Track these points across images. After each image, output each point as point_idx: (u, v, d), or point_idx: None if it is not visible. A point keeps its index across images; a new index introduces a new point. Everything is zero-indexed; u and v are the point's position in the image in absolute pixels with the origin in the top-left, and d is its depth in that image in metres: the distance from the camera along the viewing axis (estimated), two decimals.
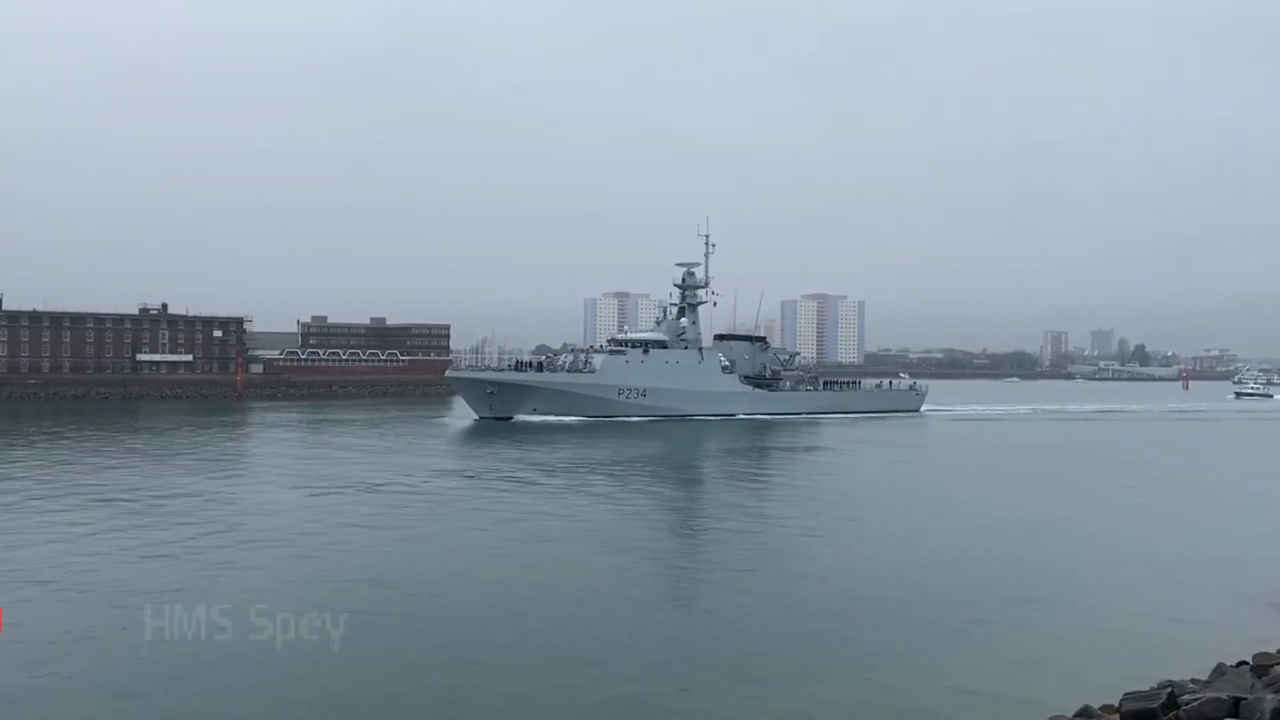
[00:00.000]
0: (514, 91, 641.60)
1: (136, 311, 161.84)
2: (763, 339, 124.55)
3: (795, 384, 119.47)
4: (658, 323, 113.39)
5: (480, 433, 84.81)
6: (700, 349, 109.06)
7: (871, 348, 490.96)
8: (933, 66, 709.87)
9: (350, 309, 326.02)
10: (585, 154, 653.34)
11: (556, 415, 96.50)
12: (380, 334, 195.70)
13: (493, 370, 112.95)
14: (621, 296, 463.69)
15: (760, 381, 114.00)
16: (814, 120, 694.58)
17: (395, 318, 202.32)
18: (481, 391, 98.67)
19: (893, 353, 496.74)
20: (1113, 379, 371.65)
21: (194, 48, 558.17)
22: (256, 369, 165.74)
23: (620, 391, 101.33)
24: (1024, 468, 63.95)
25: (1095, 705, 17.03)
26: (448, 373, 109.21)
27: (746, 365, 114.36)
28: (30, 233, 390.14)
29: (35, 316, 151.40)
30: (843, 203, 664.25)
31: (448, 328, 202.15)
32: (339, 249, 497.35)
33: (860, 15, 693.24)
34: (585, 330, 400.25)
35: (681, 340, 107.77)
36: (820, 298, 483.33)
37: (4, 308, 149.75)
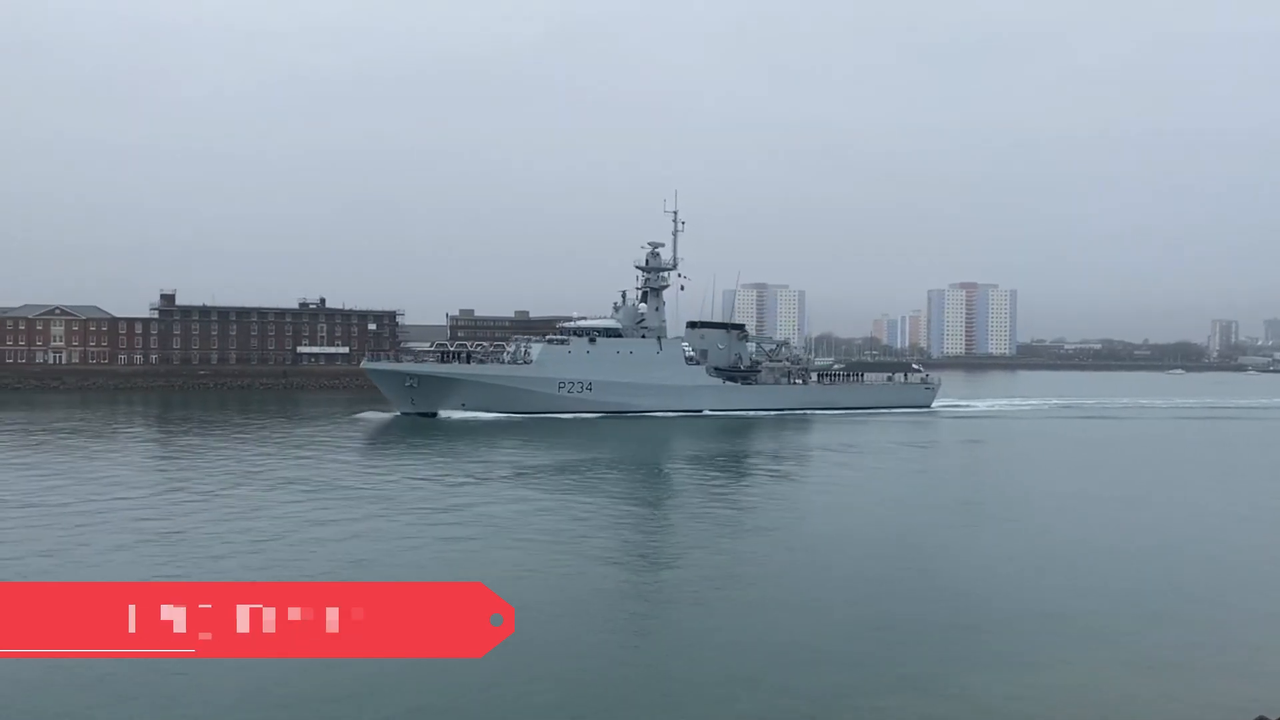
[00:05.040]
0: (649, 89, 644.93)
1: (296, 306, 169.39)
2: (740, 326, 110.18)
3: (780, 376, 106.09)
4: (616, 308, 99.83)
5: (388, 432, 75.49)
6: (660, 338, 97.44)
7: (1024, 338, 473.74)
8: (1077, 52, 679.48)
9: (496, 302, 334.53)
10: (718, 141, 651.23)
11: (489, 411, 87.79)
12: (524, 326, 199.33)
13: (413, 361, 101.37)
14: (760, 287, 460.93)
15: (734, 374, 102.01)
16: (953, 106, 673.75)
17: (538, 310, 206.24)
18: (401, 384, 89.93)
19: (1047, 344, 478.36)
20: None
21: (345, 53, 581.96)
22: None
23: (561, 385, 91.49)
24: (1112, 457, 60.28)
25: (1272, 717, 15.92)
26: (363, 363, 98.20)
27: (720, 355, 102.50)
28: (204, 235, 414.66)
29: (205, 311, 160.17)
30: (994, 190, 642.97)
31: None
32: (486, 244, 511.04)
33: (992, 10, 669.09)
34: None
35: (640, 328, 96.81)
36: (969, 287, 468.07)
37: (177, 303, 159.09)
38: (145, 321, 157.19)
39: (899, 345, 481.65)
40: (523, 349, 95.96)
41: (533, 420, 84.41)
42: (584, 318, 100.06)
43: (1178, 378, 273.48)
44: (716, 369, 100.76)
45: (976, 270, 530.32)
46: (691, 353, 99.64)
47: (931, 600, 25.48)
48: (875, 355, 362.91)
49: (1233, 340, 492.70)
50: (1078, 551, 32.05)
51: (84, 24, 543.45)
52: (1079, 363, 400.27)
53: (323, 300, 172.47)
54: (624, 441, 69.49)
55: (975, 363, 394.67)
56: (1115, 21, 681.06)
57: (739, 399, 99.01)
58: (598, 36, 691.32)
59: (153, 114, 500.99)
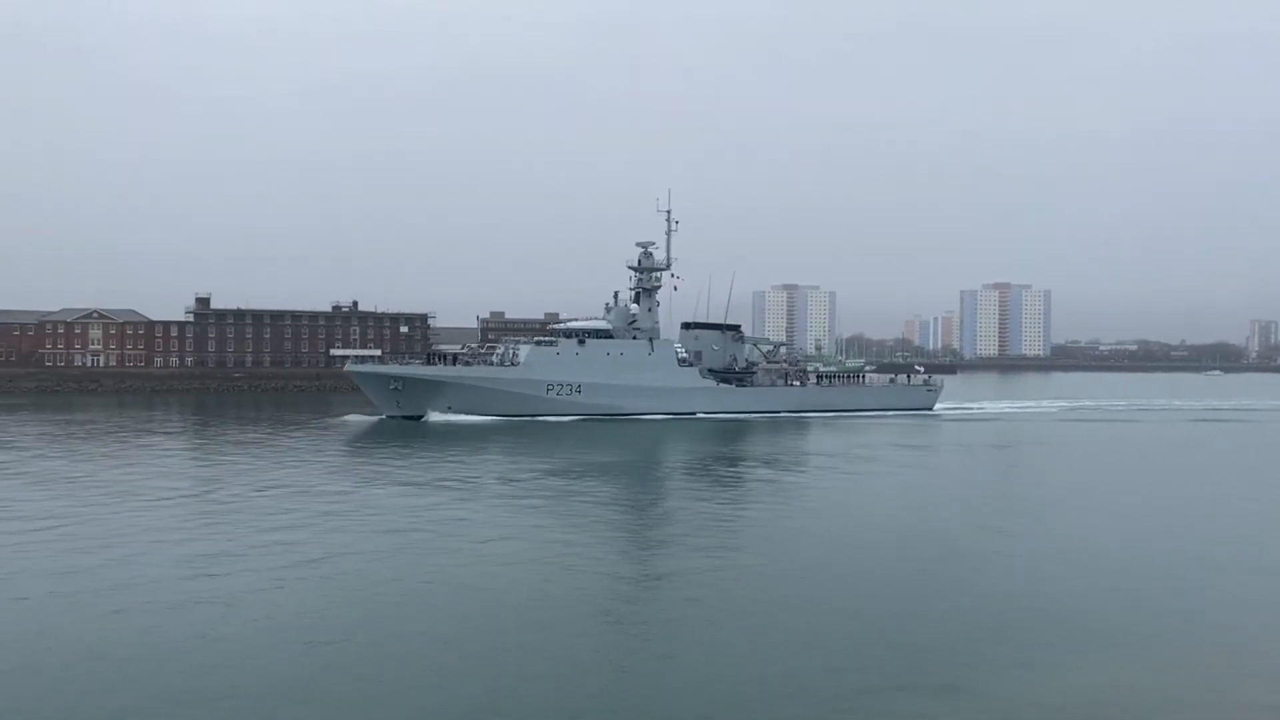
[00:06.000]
0: (665, 92, 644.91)
1: (329, 309, 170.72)
2: (736, 327, 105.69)
3: (776, 378, 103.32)
4: (608, 309, 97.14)
5: (363, 437, 73.18)
6: (651, 339, 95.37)
7: (1059, 339, 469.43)
8: (1106, 52, 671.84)
9: (527, 304, 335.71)
10: (723, 141, 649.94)
11: (476, 415, 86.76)
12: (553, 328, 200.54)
13: (397, 364, 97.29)
14: (790, 288, 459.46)
15: (729, 375, 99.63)
16: (960, 105, 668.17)
17: (569, 311, 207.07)
18: (386, 387, 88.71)
19: (1082, 345, 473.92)
20: None
21: (371, 59, 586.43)
22: None
23: (549, 387, 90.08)
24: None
25: None
26: (348, 366, 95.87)
27: (715, 357, 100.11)
28: (239, 239, 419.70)
29: (239, 314, 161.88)
30: (1028, 189, 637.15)
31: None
32: (517, 247, 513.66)
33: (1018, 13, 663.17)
34: (753, 323, 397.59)
35: (632, 329, 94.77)
36: (1002, 287, 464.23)
37: (212, 306, 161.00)
38: (181, 324, 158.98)
39: (931, 346, 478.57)
40: (510, 350, 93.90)
41: (519, 423, 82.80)
42: (574, 319, 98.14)
43: (1215, 379, 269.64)
44: (711, 370, 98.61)
45: (1010, 270, 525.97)
46: (685, 354, 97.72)
47: (934, 598, 25.27)
48: (906, 356, 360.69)
49: (1272, 340, 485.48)
50: (1086, 552, 31.78)
51: (124, 29, 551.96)
52: (1114, 364, 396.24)
53: (355, 303, 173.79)
54: (610, 445, 67.19)
55: (1009, 364, 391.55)
56: (1133, 17, 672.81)
57: (733, 401, 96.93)
58: (614, 38, 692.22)
59: (189, 119, 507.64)
